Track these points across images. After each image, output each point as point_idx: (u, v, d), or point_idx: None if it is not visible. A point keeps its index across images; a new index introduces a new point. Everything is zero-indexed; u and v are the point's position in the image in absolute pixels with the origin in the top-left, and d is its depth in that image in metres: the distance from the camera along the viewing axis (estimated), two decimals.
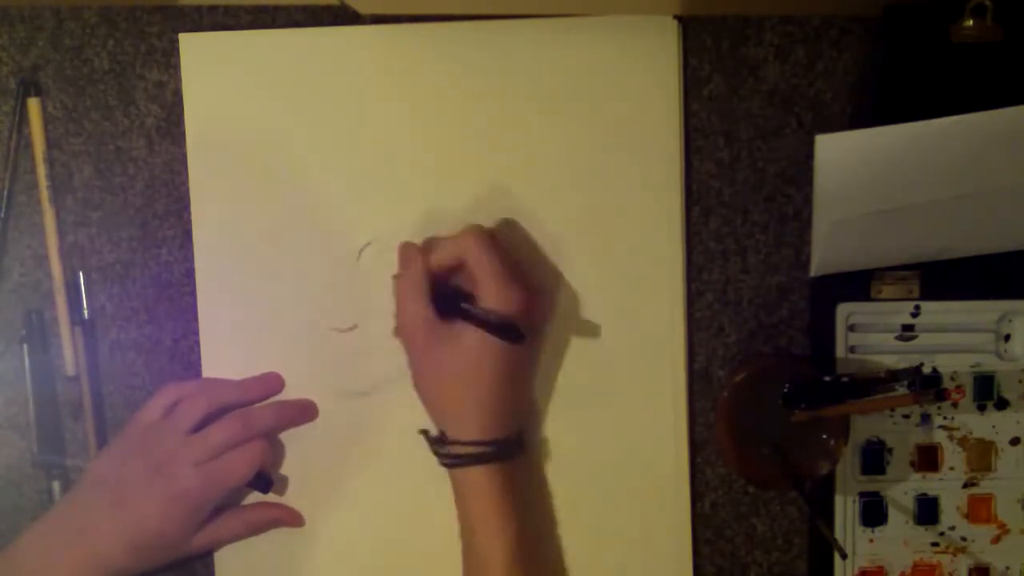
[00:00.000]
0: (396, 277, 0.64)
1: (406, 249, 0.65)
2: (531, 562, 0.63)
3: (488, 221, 0.67)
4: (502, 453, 0.63)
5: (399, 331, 0.65)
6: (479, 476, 0.62)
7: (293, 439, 0.69)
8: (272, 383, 0.69)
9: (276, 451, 0.69)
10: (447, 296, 0.62)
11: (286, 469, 0.69)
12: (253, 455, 0.65)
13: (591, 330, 0.68)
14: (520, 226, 0.68)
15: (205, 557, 0.69)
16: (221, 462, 0.65)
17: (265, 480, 0.67)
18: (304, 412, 0.69)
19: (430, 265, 0.63)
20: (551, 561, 0.69)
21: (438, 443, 0.64)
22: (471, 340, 0.61)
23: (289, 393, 0.69)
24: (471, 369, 0.61)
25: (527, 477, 0.67)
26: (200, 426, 0.65)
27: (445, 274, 0.64)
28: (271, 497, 0.69)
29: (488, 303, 0.61)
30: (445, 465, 0.64)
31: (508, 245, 0.66)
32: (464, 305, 0.62)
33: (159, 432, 0.65)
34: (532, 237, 0.68)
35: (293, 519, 0.69)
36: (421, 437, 0.66)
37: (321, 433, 0.69)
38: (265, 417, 0.67)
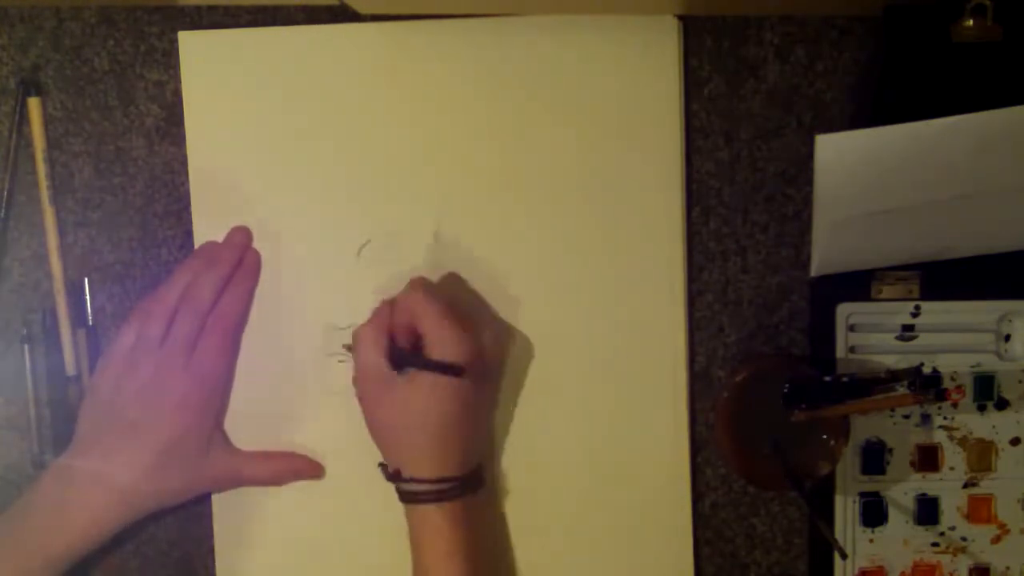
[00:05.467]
0: (356, 331, 0.64)
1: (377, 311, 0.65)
2: None
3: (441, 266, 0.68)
4: (459, 490, 0.62)
5: (356, 381, 0.64)
6: (435, 514, 0.62)
7: (293, 444, 0.69)
8: (236, 238, 0.68)
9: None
10: (398, 351, 0.63)
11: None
12: (220, 332, 0.65)
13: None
14: (462, 278, 0.68)
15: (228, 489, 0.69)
16: (200, 352, 0.65)
17: None
18: (250, 265, 0.68)
19: (390, 322, 0.63)
20: None
21: (394, 478, 0.63)
22: (421, 383, 0.61)
23: (288, 393, 0.69)
24: (422, 410, 0.61)
25: (484, 515, 0.67)
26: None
27: (404, 331, 0.63)
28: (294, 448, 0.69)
29: (434, 351, 0.61)
30: (403, 500, 0.63)
31: (452, 296, 0.66)
32: (408, 352, 0.62)
33: (137, 356, 0.65)
34: (475, 288, 0.68)
35: (314, 470, 0.69)
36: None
37: (320, 433, 0.69)
38: (205, 284, 0.66)
